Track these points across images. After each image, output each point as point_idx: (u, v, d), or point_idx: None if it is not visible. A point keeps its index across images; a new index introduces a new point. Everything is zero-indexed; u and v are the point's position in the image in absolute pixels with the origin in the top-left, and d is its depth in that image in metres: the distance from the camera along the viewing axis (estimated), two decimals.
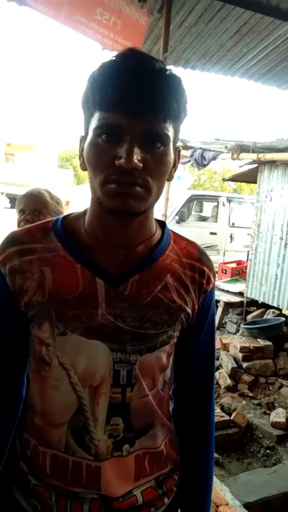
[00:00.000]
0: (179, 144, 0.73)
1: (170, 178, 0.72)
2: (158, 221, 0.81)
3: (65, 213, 0.85)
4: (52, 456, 0.74)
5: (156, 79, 0.62)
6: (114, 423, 0.74)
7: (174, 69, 0.67)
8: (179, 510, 0.88)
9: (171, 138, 0.67)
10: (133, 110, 0.61)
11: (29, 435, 0.78)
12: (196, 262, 0.79)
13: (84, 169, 0.71)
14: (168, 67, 0.65)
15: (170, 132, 0.66)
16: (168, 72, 0.64)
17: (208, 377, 0.88)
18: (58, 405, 0.73)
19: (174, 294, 0.75)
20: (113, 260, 0.73)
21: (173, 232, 0.82)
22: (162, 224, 0.82)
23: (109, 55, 0.66)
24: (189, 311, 0.77)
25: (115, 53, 0.65)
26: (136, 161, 0.61)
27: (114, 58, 0.64)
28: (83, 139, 0.71)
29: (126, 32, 3.47)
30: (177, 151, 0.72)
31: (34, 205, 1.53)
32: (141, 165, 0.62)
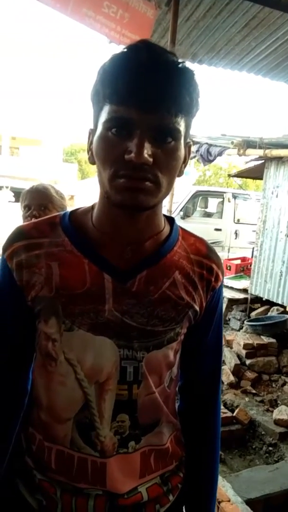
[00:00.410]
0: (188, 139, 0.71)
1: (180, 174, 0.70)
2: (166, 217, 0.80)
3: (69, 208, 0.85)
4: (57, 452, 0.74)
5: (169, 72, 0.60)
6: (120, 420, 0.73)
7: None
8: (183, 508, 0.87)
9: (182, 133, 0.65)
10: (144, 103, 0.60)
11: (35, 429, 0.78)
12: (204, 259, 0.78)
13: (92, 162, 0.70)
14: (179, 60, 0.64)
15: (182, 127, 0.64)
16: (181, 65, 0.62)
17: (215, 375, 0.87)
18: (64, 400, 0.73)
19: (182, 291, 0.75)
20: (121, 255, 0.72)
21: (182, 228, 0.81)
22: (170, 220, 0.81)
23: (116, 48, 0.64)
24: (197, 308, 0.76)
25: (122, 46, 0.64)
26: (146, 155, 0.60)
27: (125, 50, 0.62)
28: (92, 132, 0.69)
29: (134, 25, 3.44)
30: (187, 146, 0.71)
31: (40, 200, 1.52)
32: (151, 160, 0.61)
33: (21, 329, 0.76)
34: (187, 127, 0.67)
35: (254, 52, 4.66)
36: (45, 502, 0.75)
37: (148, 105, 0.60)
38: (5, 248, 0.74)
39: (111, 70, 0.62)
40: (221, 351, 0.88)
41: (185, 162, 0.71)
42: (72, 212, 0.78)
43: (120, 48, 0.64)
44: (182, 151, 0.67)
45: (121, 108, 0.61)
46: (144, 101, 0.60)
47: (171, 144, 0.64)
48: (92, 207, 0.76)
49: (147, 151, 0.61)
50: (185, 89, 0.62)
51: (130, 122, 0.61)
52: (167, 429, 0.81)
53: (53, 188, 1.60)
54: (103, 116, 0.64)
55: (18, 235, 0.74)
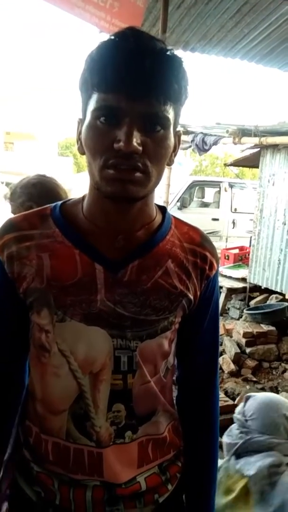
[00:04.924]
0: (179, 128, 0.71)
1: (170, 163, 0.70)
2: (158, 206, 0.80)
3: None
4: (53, 444, 0.74)
5: (157, 60, 0.59)
6: (116, 410, 0.73)
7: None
8: (183, 497, 0.88)
9: (172, 121, 0.65)
10: (132, 91, 0.59)
11: (31, 422, 0.78)
12: (197, 247, 0.78)
13: (82, 153, 0.70)
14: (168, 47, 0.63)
15: (171, 115, 0.64)
16: (169, 53, 0.62)
17: (212, 365, 0.86)
18: (59, 392, 0.73)
19: (175, 280, 0.74)
20: (112, 245, 0.71)
21: (175, 217, 0.81)
22: (162, 209, 0.80)
23: (105, 37, 0.63)
24: (191, 297, 0.76)
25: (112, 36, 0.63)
26: (135, 144, 0.60)
27: (112, 38, 0.61)
28: (80, 122, 0.69)
29: (124, 14, 3.39)
30: (177, 135, 0.70)
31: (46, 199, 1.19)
32: (140, 148, 0.61)
33: (15, 321, 0.76)
34: (176, 115, 0.66)
35: (247, 38, 4.61)
36: (43, 494, 0.75)
37: (137, 93, 0.59)
38: None
39: (98, 58, 0.61)
40: (218, 340, 0.88)
41: (175, 151, 0.70)
42: (63, 203, 0.77)
43: (107, 36, 0.63)
44: (171, 140, 0.66)
45: (110, 96, 0.60)
46: (132, 89, 0.59)
47: (160, 132, 0.63)
48: (83, 198, 0.76)
49: (136, 140, 0.60)
50: (174, 76, 0.61)
51: (119, 110, 0.60)
52: (164, 418, 0.80)
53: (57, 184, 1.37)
54: (92, 104, 0.63)
55: (9, 228, 0.73)
